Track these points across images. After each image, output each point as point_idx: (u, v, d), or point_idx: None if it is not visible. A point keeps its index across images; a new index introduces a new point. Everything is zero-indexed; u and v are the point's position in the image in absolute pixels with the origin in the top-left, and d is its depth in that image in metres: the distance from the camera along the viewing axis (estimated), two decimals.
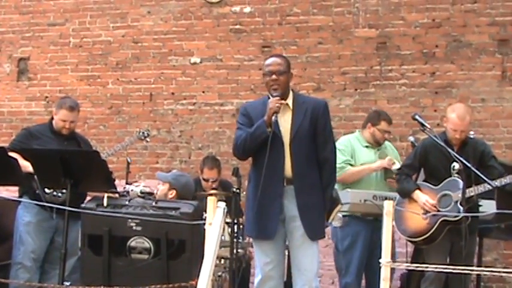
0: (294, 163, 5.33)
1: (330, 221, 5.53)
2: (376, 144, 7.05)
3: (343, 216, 6.82)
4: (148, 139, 8.36)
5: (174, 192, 6.55)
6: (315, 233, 5.33)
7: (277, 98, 5.31)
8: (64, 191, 6.31)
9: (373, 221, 6.71)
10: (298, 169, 5.33)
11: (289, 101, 5.45)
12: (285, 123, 5.39)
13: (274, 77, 5.38)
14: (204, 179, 7.59)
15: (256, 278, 5.48)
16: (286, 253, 5.77)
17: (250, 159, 5.56)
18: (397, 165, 6.77)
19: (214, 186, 7.46)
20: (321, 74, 8.83)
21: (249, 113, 5.49)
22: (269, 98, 5.38)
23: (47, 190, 6.51)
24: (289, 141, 5.34)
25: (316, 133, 5.40)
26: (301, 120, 5.38)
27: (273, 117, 5.25)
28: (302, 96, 5.73)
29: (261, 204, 5.30)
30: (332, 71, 8.83)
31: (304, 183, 5.33)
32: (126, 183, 7.41)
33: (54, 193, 6.53)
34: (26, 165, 6.23)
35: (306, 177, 5.34)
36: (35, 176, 6.30)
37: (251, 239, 6.07)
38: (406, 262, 6.82)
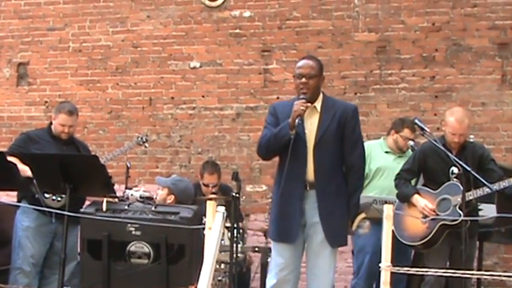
0: (316, 167, 5.27)
1: (354, 228, 5.43)
2: (398, 151, 7.13)
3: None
4: (147, 144, 8.35)
5: (172, 197, 6.55)
6: (335, 239, 5.29)
7: (303, 101, 5.25)
8: (63, 195, 6.30)
9: None
10: (321, 173, 5.27)
11: (318, 103, 5.38)
12: (312, 125, 5.33)
13: (304, 80, 5.31)
14: (204, 184, 7.57)
15: (268, 281, 5.45)
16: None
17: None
18: None
19: (214, 191, 7.45)
20: None
21: (277, 113, 5.43)
22: (299, 99, 5.32)
23: (46, 195, 6.50)
24: (314, 144, 5.28)
25: (344, 137, 5.33)
26: (329, 123, 5.31)
27: (297, 120, 5.18)
28: (332, 99, 5.59)
29: (282, 207, 5.29)
30: (332, 75, 8.81)
31: (327, 188, 5.27)
32: (126, 188, 7.40)
33: (53, 197, 6.52)
34: (25, 170, 6.22)
35: (329, 182, 5.29)
36: (34, 181, 6.29)
37: (252, 244, 6.07)
38: (406, 266, 6.79)
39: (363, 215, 5.49)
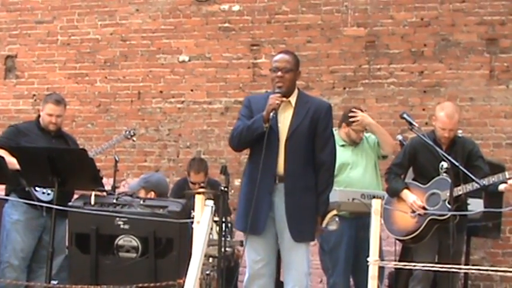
0: (287, 161, 5.27)
1: (324, 225, 5.44)
2: (352, 143, 7.01)
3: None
4: (134, 138, 8.33)
5: (152, 193, 6.57)
6: (300, 235, 5.28)
7: (278, 95, 5.27)
8: (52, 189, 6.27)
9: (357, 219, 6.70)
10: (291, 168, 5.28)
11: (293, 99, 5.39)
12: (285, 120, 5.34)
13: (279, 73, 5.33)
14: (191, 182, 7.57)
15: (245, 276, 5.47)
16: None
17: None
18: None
19: (202, 185, 7.45)
20: (310, 73, 8.82)
21: (251, 105, 5.44)
22: (274, 93, 5.33)
23: (37, 188, 6.47)
24: (286, 138, 5.29)
25: (316, 134, 5.34)
26: (302, 119, 5.33)
27: (272, 114, 5.20)
28: (307, 95, 5.63)
29: (250, 199, 5.26)
30: (321, 70, 8.83)
31: (296, 183, 5.28)
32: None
33: (44, 191, 6.49)
34: (14, 163, 6.18)
35: (299, 177, 5.29)
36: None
37: (240, 237, 6.07)
38: (395, 261, 6.81)
39: (334, 212, 5.50)
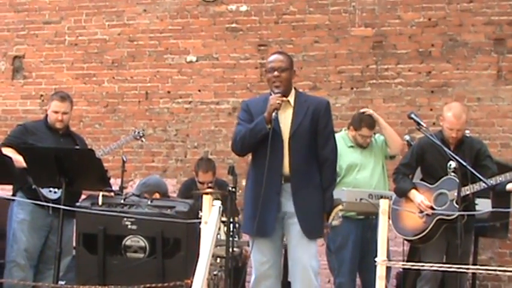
0: (292, 161, 5.29)
1: (330, 221, 5.45)
2: (359, 146, 7.03)
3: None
4: (143, 139, 8.33)
5: (157, 194, 6.60)
6: (312, 231, 5.29)
7: (279, 95, 5.28)
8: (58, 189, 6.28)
9: (363, 220, 6.71)
10: (296, 167, 5.29)
11: (291, 98, 5.41)
12: (285, 120, 5.35)
13: (276, 73, 5.35)
14: (199, 182, 7.56)
15: (252, 277, 5.47)
16: (283, 252, 5.76)
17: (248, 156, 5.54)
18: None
19: (210, 185, 7.45)
20: (317, 73, 8.82)
21: (250, 109, 5.45)
22: (271, 94, 5.35)
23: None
24: (288, 138, 5.30)
25: (317, 132, 5.36)
26: (302, 118, 5.34)
27: (273, 114, 5.22)
28: (304, 94, 5.67)
29: (258, 202, 5.27)
30: (328, 70, 8.83)
31: (302, 181, 5.29)
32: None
33: (50, 189, 6.49)
34: (20, 160, 6.17)
35: (304, 175, 5.31)
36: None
37: (247, 238, 6.07)
38: (402, 261, 6.80)
39: (339, 208, 5.51)
